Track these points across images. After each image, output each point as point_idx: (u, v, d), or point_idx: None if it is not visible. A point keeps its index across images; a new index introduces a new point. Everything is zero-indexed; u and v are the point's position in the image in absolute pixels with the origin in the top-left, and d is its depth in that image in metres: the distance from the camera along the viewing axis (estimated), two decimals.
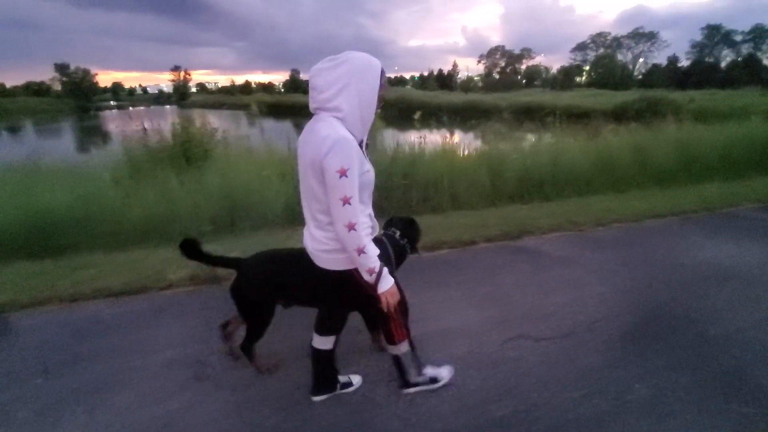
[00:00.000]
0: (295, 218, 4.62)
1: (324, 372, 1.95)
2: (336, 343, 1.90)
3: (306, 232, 1.67)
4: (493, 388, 2.04)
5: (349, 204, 1.40)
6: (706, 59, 52.96)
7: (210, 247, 2.06)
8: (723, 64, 50.80)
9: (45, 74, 72.60)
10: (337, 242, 1.52)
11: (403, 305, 1.82)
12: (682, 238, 4.05)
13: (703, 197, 5.34)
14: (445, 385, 2.02)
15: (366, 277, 1.52)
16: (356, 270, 1.54)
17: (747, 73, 44.56)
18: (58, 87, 65.73)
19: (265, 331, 2.03)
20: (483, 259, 3.61)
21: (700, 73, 46.87)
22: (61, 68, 62.71)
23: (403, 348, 1.86)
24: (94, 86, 67.42)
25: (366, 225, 1.57)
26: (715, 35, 53.85)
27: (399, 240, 2.04)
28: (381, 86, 1.50)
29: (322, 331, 1.87)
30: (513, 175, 5.53)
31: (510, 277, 3.24)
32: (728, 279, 3.17)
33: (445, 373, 2.04)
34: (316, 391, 1.97)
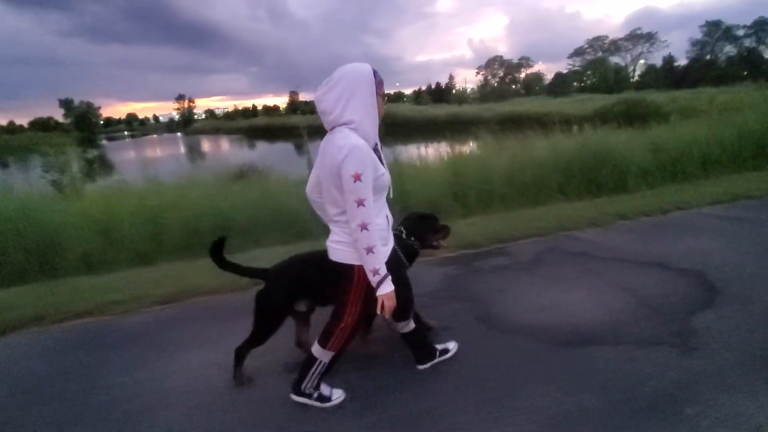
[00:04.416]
0: None
1: (420, 346, 2.18)
2: (417, 320, 2.19)
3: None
4: None
5: (363, 206, 1.53)
6: (708, 57, 50.10)
7: None
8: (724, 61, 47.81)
9: (57, 110, 75.87)
10: (347, 235, 1.64)
11: (409, 302, 2.00)
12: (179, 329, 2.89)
13: None
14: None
15: (369, 276, 1.62)
16: (357, 267, 1.66)
17: (747, 68, 41.66)
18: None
19: (266, 340, 2.09)
20: None
21: (697, 72, 44.14)
22: (66, 103, 65.39)
23: (325, 357, 1.87)
24: (98, 119, 69.80)
25: (380, 227, 1.68)
26: (715, 32, 50.99)
27: (405, 239, 2.18)
28: (378, 87, 1.62)
29: (399, 318, 2.03)
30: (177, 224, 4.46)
31: None
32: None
33: (336, 395, 2.02)
34: (421, 361, 2.18)
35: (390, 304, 1.64)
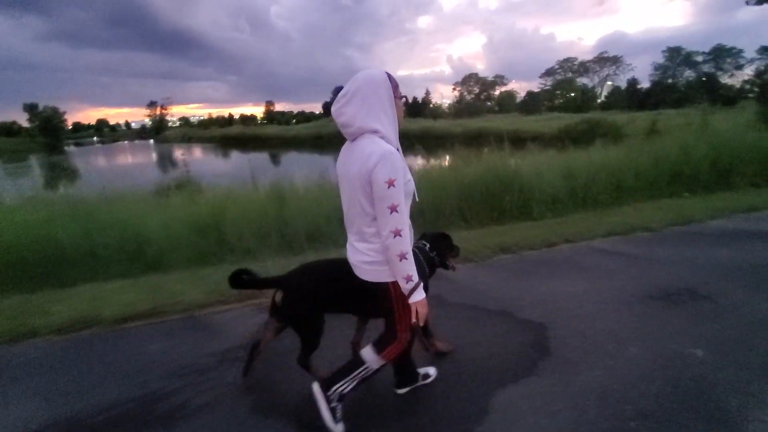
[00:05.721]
0: None
1: (403, 366, 2.03)
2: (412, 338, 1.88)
3: (349, 245, 1.74)
4: None
5: (397, 212, 1.50)
6: (669, 80, 52.15)
7: None
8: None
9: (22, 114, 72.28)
10: (378, 254, 1.60)
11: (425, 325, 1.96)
12: None
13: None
14: None
15: (402, 284, 1.57)
16: (392, 284, 1.62)
17: (705, 91, 43.47)
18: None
19: (319, 341, 1.99)
20: None
21: (659, 94, 45.75)
22: (30, 108, 62.73)
23: (374, 363, 1.79)
24: (63, 124, 67.10)
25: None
26: (676, 57, 53.26)
27: (429, 252, 2.15)
28: (395, 90, 1.59)
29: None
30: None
31: None
32: None
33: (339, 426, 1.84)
34: (401, 384, 2.07)
35: (423, 311, 1.61)
